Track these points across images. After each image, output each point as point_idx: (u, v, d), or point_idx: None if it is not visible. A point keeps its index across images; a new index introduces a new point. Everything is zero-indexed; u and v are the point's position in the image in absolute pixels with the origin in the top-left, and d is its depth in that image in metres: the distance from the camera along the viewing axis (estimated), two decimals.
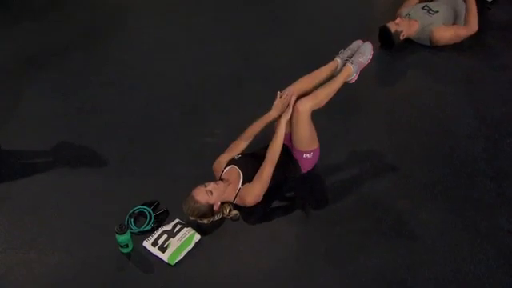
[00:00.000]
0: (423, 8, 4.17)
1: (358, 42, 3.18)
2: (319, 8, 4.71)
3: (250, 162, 3.02)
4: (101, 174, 3.29)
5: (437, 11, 4.11)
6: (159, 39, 4.46)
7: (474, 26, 4.00)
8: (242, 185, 2.94)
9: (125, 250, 2.83)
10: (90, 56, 4.28)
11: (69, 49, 4.32)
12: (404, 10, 4.23)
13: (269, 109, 2.98)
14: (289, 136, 3.02)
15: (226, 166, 3.04)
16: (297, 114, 2.89)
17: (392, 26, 4.04)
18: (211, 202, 2.85)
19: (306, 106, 2.88)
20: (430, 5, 4.19)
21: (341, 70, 3.04)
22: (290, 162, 3.05)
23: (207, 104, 3.77)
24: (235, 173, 2.99)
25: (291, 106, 2.90)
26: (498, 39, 4.17)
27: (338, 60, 3.10)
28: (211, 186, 2.87)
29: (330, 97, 2.97)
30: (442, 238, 2.80)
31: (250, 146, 3.10)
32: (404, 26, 4.05)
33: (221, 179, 3.01)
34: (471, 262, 2.68)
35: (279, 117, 2.96)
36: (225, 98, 3.80)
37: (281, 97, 2.96)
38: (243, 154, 3.09)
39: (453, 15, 4.12)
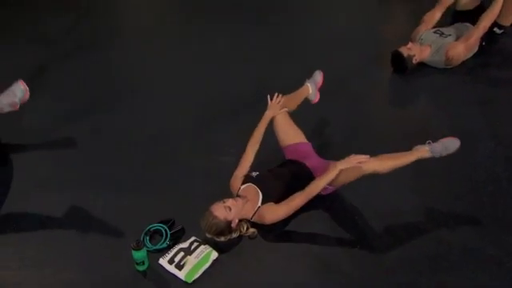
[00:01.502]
0: (435, 32, 4.16)
1: (317, 72, 3.50)
2: (331, 32, 4.72)
3: (268, 181, 2.95)
4: (115, 191, 3.21)
5: (449, 35, 4.09)
6: (171, 58, 4.47)
7: (485, 24, 3.90)
8: (261, 203, 2.85)
9: (141, 268, 2.71)
10: (101, 77, 4.29)
11: (78, 63, 4.36)
12: (417, 35, 4.21)
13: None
14: (323, 170, 2.90)
15: (244, 183, 2.96)
16: (358, 170, 2.79)
17: (404, 51, 4.01)
18: (229, 218, 2.75)
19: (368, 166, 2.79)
20: (442, 29, 4.17)
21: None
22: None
23: (221, 124, 3.72)
24: (253, 191, 2.90)
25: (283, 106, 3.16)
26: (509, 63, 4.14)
27: (308, 85, 3.42)
28: (230, 202, 2.79)
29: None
30: (465, 257, 2.69)
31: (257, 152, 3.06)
32: (416, 51, 4.02)
33: (238, 196, 2.92)
34: (496, 279, 2.55)
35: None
36: (239, 118, 3.74)
37: (271, 98, 3.16)
38: (260, 172, 3.01)
39: None
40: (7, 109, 3.14)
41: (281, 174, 2.98)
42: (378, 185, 3.00)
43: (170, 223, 2.95)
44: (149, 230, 2.91)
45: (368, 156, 2.78)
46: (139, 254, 2.67)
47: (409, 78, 4.06)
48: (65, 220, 3.02)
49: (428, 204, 3.01)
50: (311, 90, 3.43)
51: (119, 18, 5.37)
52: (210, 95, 4.01)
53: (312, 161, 3.07)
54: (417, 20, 4.34)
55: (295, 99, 3.36)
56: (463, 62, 4.08)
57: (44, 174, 3.36)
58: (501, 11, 3.92)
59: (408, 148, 2.89)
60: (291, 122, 3.23)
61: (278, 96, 3.21)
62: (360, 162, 2.76)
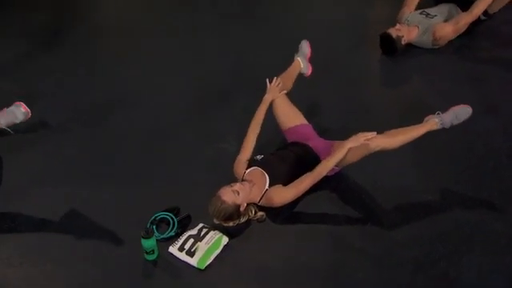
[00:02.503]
0: (421, 13, 4.17)
1: (303, 43, 3.44)
2: (317, 18, 4.69)
3: (274, 163, 2.88)
4: (115, 184, 3.08)
5: (435, 15, 4.11)
6: (159, 50, 4.40)
7: (478, 11, 3.94)
8: (269, 186, 2.78)
9: (150, 257, 2.61)
10: (96, 73, 4.14)
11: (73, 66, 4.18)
12: (402, 16, 4.20)
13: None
14: (327, 150, 2.88)
15: (248, 167, 2.89)
16: (365, 148, 2.72)
17: (393, 32, 4.01)
18: (238, 202, 2.67)
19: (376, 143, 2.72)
20: (428, 10, 4.19)
21: None
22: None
23: (215, 112, 3.65)
24: (259, 174, 2.83)
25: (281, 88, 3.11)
26: (495, 43, 4.18)
27: (298, 59, 3.35)
28: (237, 186, 2.71)
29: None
30: (474, 231, 2.68)
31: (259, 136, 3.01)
32: (404, 32, 4.02)
33: (243, 180, 2.84)
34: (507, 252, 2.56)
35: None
36: (233, 105, 3.68)
37: (270, 82, 3.11)
38: (265, 155, 2.93)
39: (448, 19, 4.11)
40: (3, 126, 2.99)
41: (286, 157, 2.92)
42: (380, 163, 2.95)
43: (176, 211, 2.84)
44: (155, 218, 2.79)
45: (375, 133, 2.73)
46: (149, 243, 2.56)
47: (398, 60, 4.06)
48: (65, 215, 2.88)
49: (431, 180, 2.99)
50: (302, 63, 3.36)
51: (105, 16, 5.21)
52: (198, 85, 3.92)
53: (315, 142, 3.01)
54: (399, 4, 4.34)
55: (289, 77, 3.29)
56: (449, 42, 4.10)
57: (41, 171, 3.20)
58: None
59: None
60: (291, 104, 3.16)
61: (277, 79, 3.15)
62: (368, 139, 2.71)
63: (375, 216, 2.81)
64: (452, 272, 2.47)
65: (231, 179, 2.86)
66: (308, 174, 2.76)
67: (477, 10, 3.95)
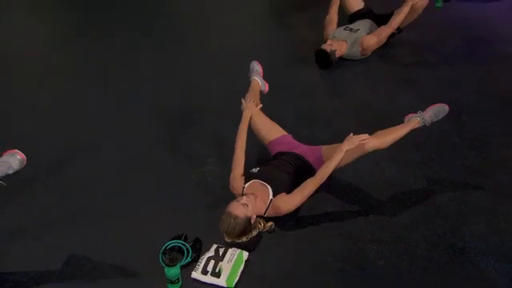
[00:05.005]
0: (345, 29, 4.46)
1: (253, 63, 3.51)
2: (247, 43, 4.80)
3: (272, 173, 2.86)
4: (108, 223, 2.83)
5: (358, 29, 4.42)
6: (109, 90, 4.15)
7: (395, 25, 4.34)
8: (273, 196, 2.73)
9: (175, 287, 2.40)
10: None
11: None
12: (329, 34, 4.45)
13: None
14: (315, 155, 2.95)
15: (246, 181, 2.81)
16: (361, 148, 2.80)
17: (326, 47, 4.25)
18: (249, 214, 2.61)
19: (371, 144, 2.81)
20: (350, 26, 4.50)
21: None
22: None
23: (188, 139, 3.53)
24: (259, 186, 2.79)
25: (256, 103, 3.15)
26: (409, 51, 4.60)
27: (255, 77, 3.38)
28: (244, 199, 2.64)
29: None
30: (460, 205, 2.89)
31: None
32: (336, 46, 4.28)
33: (243, 195, 2.75)
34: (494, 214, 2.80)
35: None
36: (201, 130, 3.61)
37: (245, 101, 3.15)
38: (260, 167, 2.89)
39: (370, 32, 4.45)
40: None
41: (282, 166, 2.90)
42: (360, 162, 3.01)
43: (184, 237, 2.66)
44: (165, 248, 2.59)
45: (367, 134, 2.82)
46: (174, 271, 2.37)
47: (335, 72, 4.28)
48: (65, 263, 2.57)
49: (408, 169, 3.16)
50: (259, 81, 3.40)
51: None
52: (162, 116, 3.80)
53: (300, 149, 3.04)
54: (318, 26, 4.65)
55: (255, 95, 3.29)
56: (373, 52, 4.43)
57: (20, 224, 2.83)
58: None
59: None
60: (268, 119, 3.17)
61: (248, 98, 3.18)
62: (363, 140, 2.79)
63: (373, 208, 2.89)
64: (459, 243, 2.63)
65: (226, 198, 2.77)
66: (310, 179, 2.76)
67: (394, 24, 4.35)
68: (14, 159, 2.51)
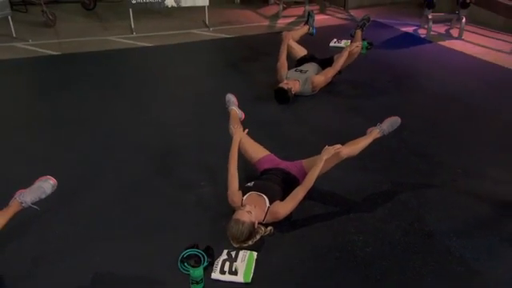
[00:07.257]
0: (295, 71, 5.03)
1: (229, 95, 3.91)
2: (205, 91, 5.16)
3: (266, 185, 3.20)
4: (114, 244, 2.98)
5: (307, 70, 5.00)
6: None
7: (338, 67, 5.00)
8: (269, 203, 3.06)
9: (199, 287, 2.60)
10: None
11: None
12: (282, 76, 4.97)
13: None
14: (297, 168, 3.35)
15: (244, 194, 3.12)
16: (337, 156, 3.22)
17: (284, 86, 4.76)
18: (253, 220, 2.92)
19: (345, 152, 3.23)
20: (300, 68, 5.07)
21: None
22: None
23: (178, 168, 3.78)
24: (256, 197, 3.11)
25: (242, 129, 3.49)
26: (349, 86, 5.24)
27: (233, 108, 3.77)
28: (247, 207, 2.96)
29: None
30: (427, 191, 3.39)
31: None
32: (291, 84, 4.80)
33: (243, 206, 3.04)
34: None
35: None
36: (187, 160, 3.87)
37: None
38: (254, 182, 3.22)
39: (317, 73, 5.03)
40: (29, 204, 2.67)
41: (272, 179, 3.25)
42: (335, 171, 3.43)
43: (196, 246, 2.88)
44: (182, 256, 2.80)
45: (340, 145, 3.26)
46: (199, 272, 2.60)
47: (292, 106, 4.78)
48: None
49: (374, 174, 3.65)
50: (237, 110, 3.79)
51: None
52: (143, 152, 4.01)
53: (283, 164, 3.41)
54: (268, 71, 5.24)
55: (236, 123, 3.62)
56: (321, 89, 5.00)
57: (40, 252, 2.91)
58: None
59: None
60: (253, 141, 3.52)
61: (234, 125, 3.54)
62: (338, 149, 3.22)
63: (352, 207, 3.30)
64: (426, 228, 3.09)
65: (225, 214, 3.08)
66: (299, 186, 3.12)
67: (337, 66, 5.01)
68: (47, 184, 2.65)
